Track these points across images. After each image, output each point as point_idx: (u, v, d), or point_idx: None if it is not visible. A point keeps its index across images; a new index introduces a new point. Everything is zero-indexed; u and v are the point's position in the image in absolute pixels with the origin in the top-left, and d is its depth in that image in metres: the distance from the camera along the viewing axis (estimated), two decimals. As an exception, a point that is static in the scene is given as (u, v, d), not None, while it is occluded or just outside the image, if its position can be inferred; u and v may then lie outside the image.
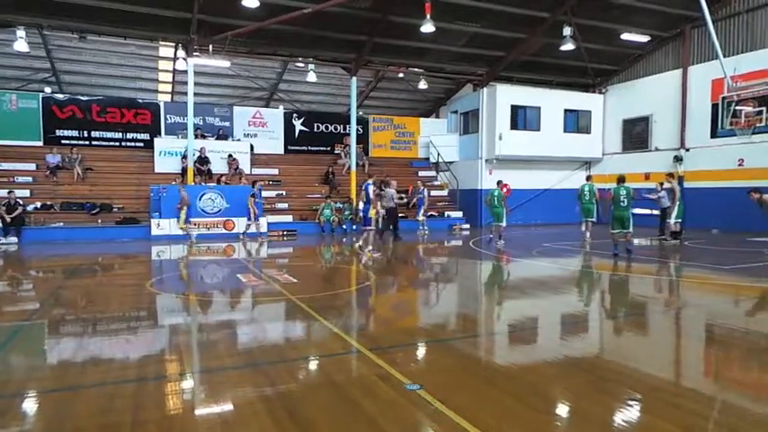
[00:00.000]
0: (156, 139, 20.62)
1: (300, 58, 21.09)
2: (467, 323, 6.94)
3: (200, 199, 17.36)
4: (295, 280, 9.44)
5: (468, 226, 21.32)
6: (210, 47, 17.75)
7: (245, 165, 21.00)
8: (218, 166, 20.31)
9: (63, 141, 20.21)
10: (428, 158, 25.01)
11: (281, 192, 20.70)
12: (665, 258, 12.58)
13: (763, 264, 10.69)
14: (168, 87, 23.98)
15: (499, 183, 15.63)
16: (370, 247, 12.74)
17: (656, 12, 18.78)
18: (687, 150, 20.17)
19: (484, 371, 4.78)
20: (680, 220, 14.59)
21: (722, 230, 17.02)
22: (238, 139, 22.19)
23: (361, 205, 19.09)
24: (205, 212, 17.41)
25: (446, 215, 21.79)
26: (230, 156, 20.69)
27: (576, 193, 16.06)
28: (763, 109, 16.25)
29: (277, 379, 4.39)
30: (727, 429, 3.52)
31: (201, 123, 21.80)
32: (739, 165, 18.12)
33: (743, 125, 16.33)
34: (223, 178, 19.02)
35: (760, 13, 17.66)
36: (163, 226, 16.77)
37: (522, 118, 22.27)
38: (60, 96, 21.06)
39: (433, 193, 23.34)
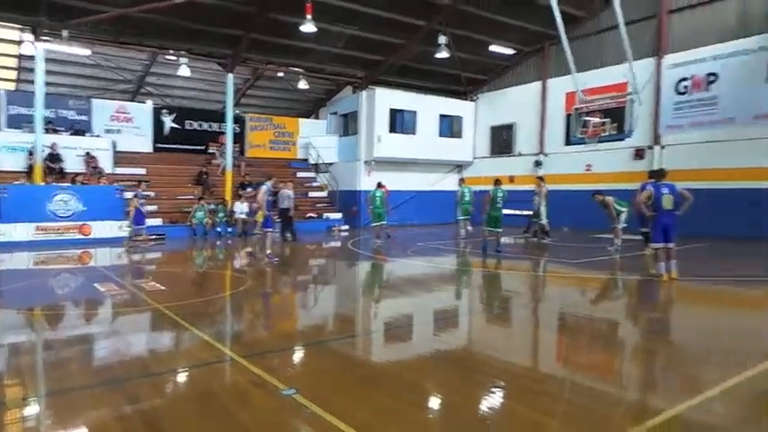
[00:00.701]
0: (-6, 133, 18.10)
1: (171, 51, 19.79)
2: (344, 324, 6.94)
3: (50, 201, 15.55)
4: (162, 287, 8.80)
5: (347, 227, 21.45)
6: (65, 32, 15.95)
7: (106, 163, 19.19)
8: (73, 164, 18.33)
9: None
10: (307, 159, 24.80)
11: (148, 193, 19.19)
12: (527, 255, 13.69)
13: (607, 257, 12.04)
14: (12, 74, 21.19)
15: (379, 184, 15.94)
16: (270, 251, 12.05)
17: (520, 28, 20.37)
18: (546, 156, 22.17)
19: (361, 371, 4.81)
20: (548, 220, 15.95)
21: (572, 229, 18.90)
22: (98, 135, 20.20)
23: (239, 207, 18.48)
24: (57, 216, 15.62)
25: (325, 216, 21.75)
26: (88, 153, 18.78)
27: (456, 195, 16.79)
28: (607, 120, 18.37)
29: (139, 395, 4.03)
30: (579, 409, 3.87)
31: (53, 116, 19.54)
32: (587, 169, 20.29)
33: (590, 134, 18.30)
34: (79, 178, 17.21)
35: (605, 35, 19.88)
36: (4, 231, 14.77)
37: (400, 121, 22.95)
38: None
39: (312, 194, 23.27)
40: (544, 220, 15.71)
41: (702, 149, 17.12)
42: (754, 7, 16.26)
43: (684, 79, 17.74)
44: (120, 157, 20.28)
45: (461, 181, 17.63)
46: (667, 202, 8.71)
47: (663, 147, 18.32)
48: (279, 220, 16.42)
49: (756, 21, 16.18)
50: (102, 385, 4.27)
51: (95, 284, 9.02)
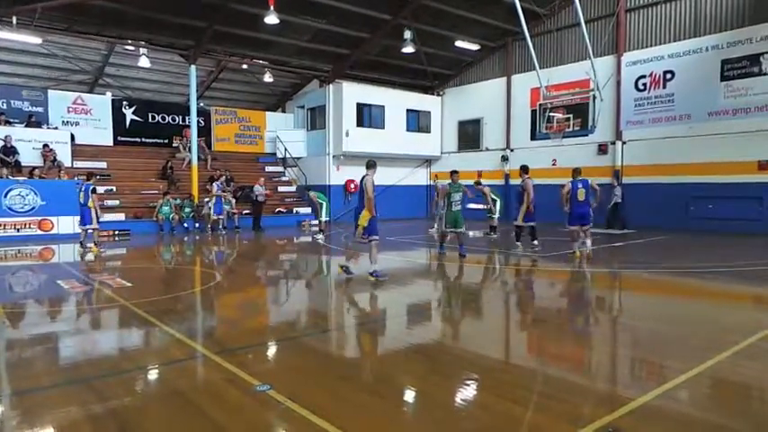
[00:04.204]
0: (-59, 125, 17.25)
1: (130, 41, 19.19)
2: (317, 319, 6.93)
3: (5, 196, 14.93)
4: (129, 284, 8.59)
5: (317, 222, 21.29)
6: (14, 18, 15.28)
7: (64, 156, 18.52)
8: (29, 157, 17.62)
9: None
10: (275, 154, 24.52)
11: (110, 187, 18.67)
12: (495, 249, 13.91)
13: (573, 251, 12.33)
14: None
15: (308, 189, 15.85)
16: (376, 266, 8.93)
17: (484, 23, 20.57)
18: (512, 151, 22.51)
19: (335, 365, 4.81)
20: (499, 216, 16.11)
21: (539, 223, 19.25)
22: (55, 127, 19.49)
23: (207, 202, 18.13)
24: (13, 211, 15.01)
25: (295, 211, 21.58)
26: (46, 146, 18.09)
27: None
28: (570, 116, 18.81)
29: (109, 394, 3.94)
30: (546, 398, 3.98)
31: (5, 107, 18.76)
32: (553, 164, 20.72)
33: (555, 129, 18.68)
34: (36, 171, 16.57)
35: (565, 32, 20.35)
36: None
37: (368, 116, 22.91)
38: None
39: (282, 188, 23.05)
40: (495, 216, 15.80)
41: (661, 145, 17.73)
42: (705, 9, 16.86)
43: (643, 76, 18.29)
44: (80, 150, 19.63)
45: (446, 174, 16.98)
46: (580, 195, 10.84)
47: (624, 142, 18.88)
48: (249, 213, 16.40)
49: (708, 21, 16.80)
50: (69, 384, 4.16)
51: (58, 281, 8.75)
